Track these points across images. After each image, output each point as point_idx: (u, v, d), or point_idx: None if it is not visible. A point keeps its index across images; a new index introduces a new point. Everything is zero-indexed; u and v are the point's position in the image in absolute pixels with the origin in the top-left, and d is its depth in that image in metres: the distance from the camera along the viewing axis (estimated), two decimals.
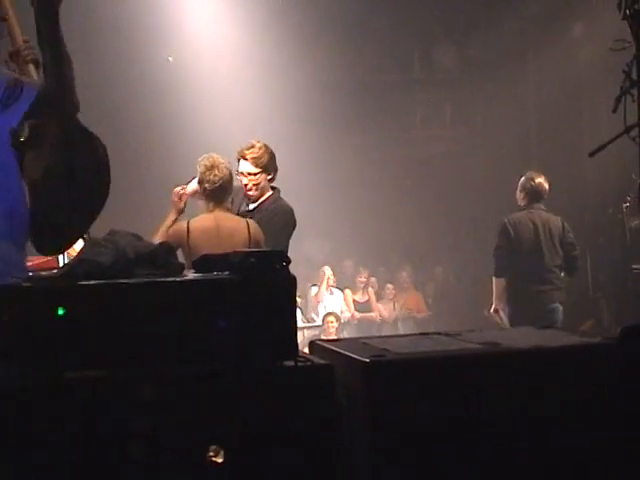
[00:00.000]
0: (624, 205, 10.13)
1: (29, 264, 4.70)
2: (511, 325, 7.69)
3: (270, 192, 6.21)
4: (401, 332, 12.53)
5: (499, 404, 2.86)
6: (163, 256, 2.67)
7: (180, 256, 4.45)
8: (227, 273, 2.62)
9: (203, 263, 2.76)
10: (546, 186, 8.22)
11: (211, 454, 2.49)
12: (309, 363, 2.67)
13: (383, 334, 11.81)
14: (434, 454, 2.80)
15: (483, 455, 2.83)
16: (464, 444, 2.83)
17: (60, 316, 2.41)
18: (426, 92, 16.38)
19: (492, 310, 8.13)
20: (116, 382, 2.47)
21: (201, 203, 5.93)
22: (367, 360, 2.78)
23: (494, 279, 8.14)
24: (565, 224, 8.23)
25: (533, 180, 8.16)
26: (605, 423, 2.91)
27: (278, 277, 2.60)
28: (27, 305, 2.43)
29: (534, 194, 8.13)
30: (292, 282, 2.61)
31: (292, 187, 14.71)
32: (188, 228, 5.67)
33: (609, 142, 4.29)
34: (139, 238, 2.76)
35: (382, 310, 13.39)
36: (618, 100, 4.16)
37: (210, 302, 2.53)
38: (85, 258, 2.57)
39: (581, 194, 13.26)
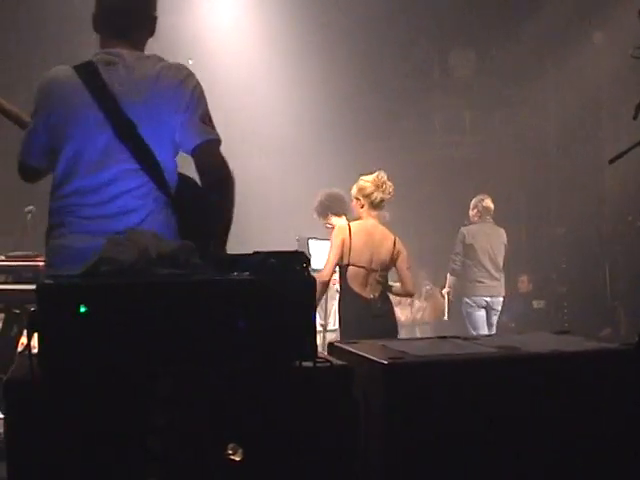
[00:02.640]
0: None
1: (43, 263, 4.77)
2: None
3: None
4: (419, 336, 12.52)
5: (516, 408, 2.86)
6: (184, 256, 2.68)
7: None
8: (247, 273, 2.64)
9: (225, 263, 2.77)
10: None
11: (229, 452, 2.50)
12: (328, 364, 2.68)
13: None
14: (451, 456, 2.81)
15: (500, 457, 2.84)
16: (481, 446, 2.84)
17: (82, 314, 2.43)
18: (445, 98, 16.35)
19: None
20: (137, 379, 2.49)
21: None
22: (385, 362, 2.80)
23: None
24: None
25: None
26: (623, 427, 2.91)
27: (298, 278, 2.61)
28: (49, 303, 2.46)
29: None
30: (312, 283, 2.63)
31: (312, 192, 14.72)
32: (350, 227, 6.77)
33: (629, 149, 4.26)
34: (159, 238, 2.77)
35: (400, 315, 13.36)
36: (638, 107, 4.14)
37: (230, 302, 2.55)
38: (107, 257, 2.58)
39: (600, 202, 13.21)
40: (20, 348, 5.05)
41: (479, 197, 10.07)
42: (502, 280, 9.90)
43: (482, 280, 9.73)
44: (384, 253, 6.78)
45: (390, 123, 16.40)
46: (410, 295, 7.70)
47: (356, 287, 6.69)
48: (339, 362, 2.77)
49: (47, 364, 2.46)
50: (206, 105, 3.32)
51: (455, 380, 2.85)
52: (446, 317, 9.66)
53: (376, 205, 6.88)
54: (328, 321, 12.10)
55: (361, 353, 2.99)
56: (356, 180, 7.02)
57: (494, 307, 9.74)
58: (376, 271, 6.73)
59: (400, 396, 2.80)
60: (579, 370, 2.96)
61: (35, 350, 2.47)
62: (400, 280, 7.01)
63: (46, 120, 3.27)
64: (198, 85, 3.32)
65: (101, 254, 2.60)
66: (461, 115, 16.19)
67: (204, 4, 12.90)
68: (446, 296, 10.15)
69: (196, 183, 3.32)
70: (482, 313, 9.70)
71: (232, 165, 3.34)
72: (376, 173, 6.94)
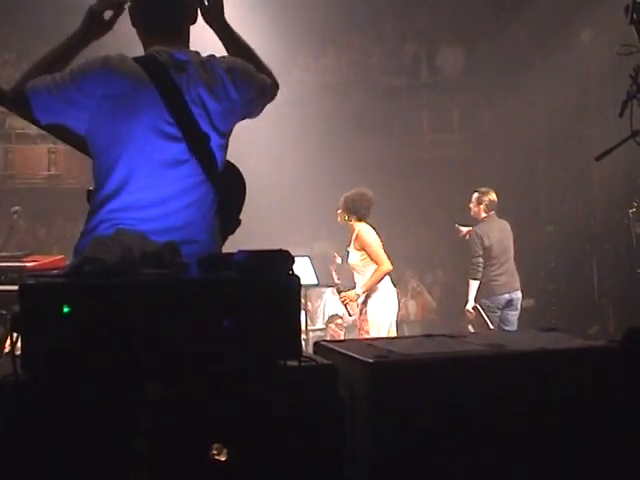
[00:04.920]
0: (630, 211, 10.14)
1: (36, 264, 4.74)
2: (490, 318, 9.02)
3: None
4: (406, 335, 12.51)
5: (502, 406, 2.86)
6: (169, 255, 2.67)
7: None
8: (232, 272, 2.62)
9: (210, 262, 2.75)
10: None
11: (214, 452, 2.49)
12: (313, 363, 2.68)
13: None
14: (437, 454, 2.80)
15: (486, 455, 2.84)
16: (466, 444, 2.84)
17: (65, 314, 2.42)
18: (433, 97, 16.38)
19: (470, 308, 9.12)
20: (121, 380, 2.48)
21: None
22: (371, 361, 2.79)
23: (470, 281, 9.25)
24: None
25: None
26: (609, 425, 2.91)
27: (282, 277, 2.60)
28: (32, 303, 2.44)
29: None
30: (296, 282, 2.62)
31: (297, 189, 14.71)
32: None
33: (615, 146, 4.27)
34: (144, 237, 2.76)
35: None
36: (625, 104, 4.15)
37: (214, 301, 2.53)
38: (90, 257, 2.56)
39: (587, 199, 13.25)
40: (5, 350, 5.02)
41: (482, 191, 9.35)
42: (516, 274, 9.33)
43: (500, 278, 9.15)
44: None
45: (377, 121, 16.41)
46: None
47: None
48: (324, 361, 2.77)
49: (30, 365, 2.44)
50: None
51: (441, 378, 2.85)
52: (491, 326, 8.96)
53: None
54: (315, 321, 12.12)
55: (347, 352, 2.98)
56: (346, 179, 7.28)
57: (514, 303, 9.14)
58: None
59: (386, 395, 2.79)
60: (565, 368, 2.96)
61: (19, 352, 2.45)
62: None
63: (90, 98, 2.98)
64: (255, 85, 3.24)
65: (85, 253, 2.59)
66: (449, 113, 16.21)
67: None
68: (479, 308, 9.06)
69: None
70: (499, 314, 9.09)
71: None
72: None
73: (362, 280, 8.25)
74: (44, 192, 17.38)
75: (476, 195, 9.35)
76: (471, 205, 9.38)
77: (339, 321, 11.44)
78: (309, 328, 10.19)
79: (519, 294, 9.20)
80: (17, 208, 7.34)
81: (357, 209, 8.31)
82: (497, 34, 15.16)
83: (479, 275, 9.08)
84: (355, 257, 8.35)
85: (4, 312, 4.98)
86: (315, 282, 9.39)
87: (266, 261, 2.58)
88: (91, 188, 3.08)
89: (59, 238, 17.33)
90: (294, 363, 2.60)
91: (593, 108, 13.39)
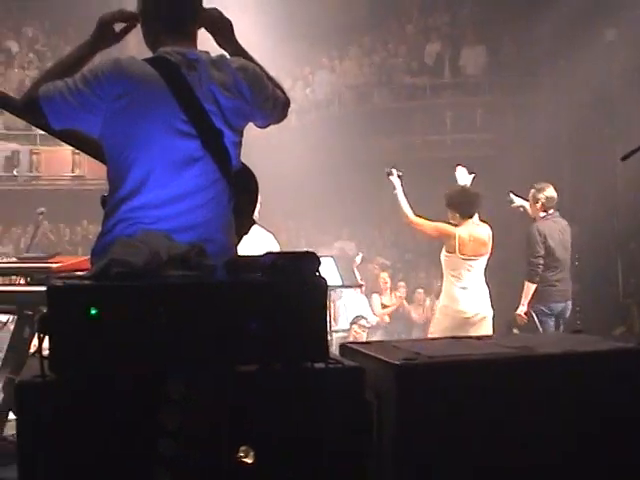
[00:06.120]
0: None
1: (61, 265, 4.76)
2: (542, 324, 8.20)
3: None
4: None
5: (530, 408, 2.84)
6: (195, 257, 2.67)
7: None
8: (259, 275, 2.62)
9: (237, 265, 2.75)
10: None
11: (241, 454, 2.49)
12: (339, 365, 2.67)
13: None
14: (465, 458, 2.78)
15: (514, 458, 2.82)
16: (495, 447, 2.82)
17: (93, 316, 2.42)
18: (456, 96, 16.34)
19: (522, 312, 8.34)
20: (148, 382, 2.48)
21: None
22: (398, 363, 2.78)
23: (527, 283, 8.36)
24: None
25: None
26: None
27: (309, 279, 2.59)
28: (60, 305, 2.44)
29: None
30: (323, 284, 2.61)
31: (319, 190, 14.68)
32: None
33: None
34: (170, 238, 2.75)
35: (412, 314, 13.34)
36: None
37: (242, 304, 2.53)
38: (118, 259, 2.57)
39: (612, 199, 13.15)
40: (32, 350, 5.04)
41: (537, 187, 8.53)
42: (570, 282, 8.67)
43: (557, 284, 8.40)
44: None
45: (400, 120, 16.38)
46: None
47: None
48: (351, 363, 2.76)
49: (57, 367, 2.44)
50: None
51: (469, 381, 2.83)
52: (541, 330, 8.43)
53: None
54: (338, 321, 12.08)
55: (373, 354, 2.97)
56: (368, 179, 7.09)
57: (565, 314, 8.47)
58: None
59: (413, 398, 2.78)
60: (594, 370, 2.94)
61: (46, 352, 2.46)
62: None
63: (104, 100, 2.97)
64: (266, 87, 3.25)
65: (111, 255, 2.58)
66: (472, 113, 16.14)
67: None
68: (533, 314, 8.28)
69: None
70: (553, 323, 8.35)
71: None
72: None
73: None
74: (68, 193, 17.49)
75: (532, 192, 8.59)
76: (528, 203, 8.64)
77: (362, 322, 11.42)
78: (332, 329, 10.17)
79: (570, 304, 8.56)
80: (42, 209, 7.36)
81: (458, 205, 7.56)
82: (520, 33, 15.11)
83: (537, 278, 8.26)
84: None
85: (30, 313, 5.01)
86: (339, 283, 9.31)
87: (293, 263, 2.58)
88: (105, 194, 3.09)
89: (83, 239, 17.44)
90: (321, 365, 2.60)
91: (618, 108, 13.30)
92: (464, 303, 7.30)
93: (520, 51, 15.38)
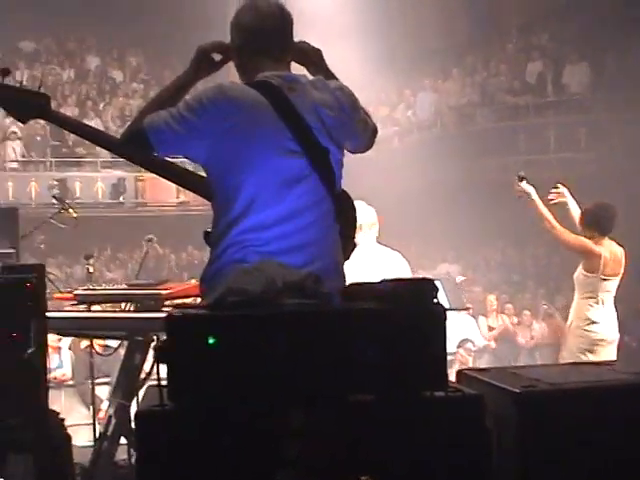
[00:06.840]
0: None
1: (170, 291, 4.81)
2: None
3: None
4: (539, 361, 12.23)
5: None
6: (311, 285, 2.66)
7: None
8: (377, 303, 2.60)
9: (352, 291, 2.73)
10: None
11: None
12: (459, 393, 2.63)
13: (520, 363, 11.55)
14: None
15: None
16: (617, 477, 2.74)
17: (211, 345, 2.43)
18: (560, 115, 16.13)
19: None
20: (266, 411, 2.47)
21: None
22: (518, 391, 2.72)
23: None
24: None
25: None
26: None
27: (428, 306, 2.56)
28: (178, 333, 2.46)
29: None
30: (442, 311, 2.58)
31: (422, 211, 14.60)
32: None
33: None
34: (285, 267, 2.75)
35: (518, 338, 13.13)
36: None
37: (360, 332, 2.51)
38: (234, 287, 2.57)
39: None
40: (142, 376, 5.10)
41: None
42: None
43: None
44: None
45: (503, 140, 16.25)
46: None
47: None
48: (470, 391, 2.71)
49: (176, 396, 2.45)
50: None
51: (591, 410, 2.75)
52: None
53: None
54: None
55: (491, 381, 2.91)
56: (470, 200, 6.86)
57: None
58: None
59: (533, 426, 2.72)
60: None
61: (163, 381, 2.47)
62: None
63: (210, 125, 2.99)
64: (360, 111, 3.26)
65: (228, 284, 2.59)
66: (576, 132, 15.90)
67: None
68: None
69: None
70: None
71: None
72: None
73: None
74: (173, 219, 17.79)
75: None
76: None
77: (469, 345, 11.31)
78: None
79: None
80: (151, 236, 7.47)
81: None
82: (624, 49, 14.84)
83: None
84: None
85: (141, 339, 5.07)
86: (446, 306, 9.22)
87: (412, 291, 2.55)
88: (209, 229, 3.11)
89: (189, 264, 17.71)
90: (441, 393, 2.56)
91: None
92: (600, 325, 6.81)
93: (624, 67, 15.09)
